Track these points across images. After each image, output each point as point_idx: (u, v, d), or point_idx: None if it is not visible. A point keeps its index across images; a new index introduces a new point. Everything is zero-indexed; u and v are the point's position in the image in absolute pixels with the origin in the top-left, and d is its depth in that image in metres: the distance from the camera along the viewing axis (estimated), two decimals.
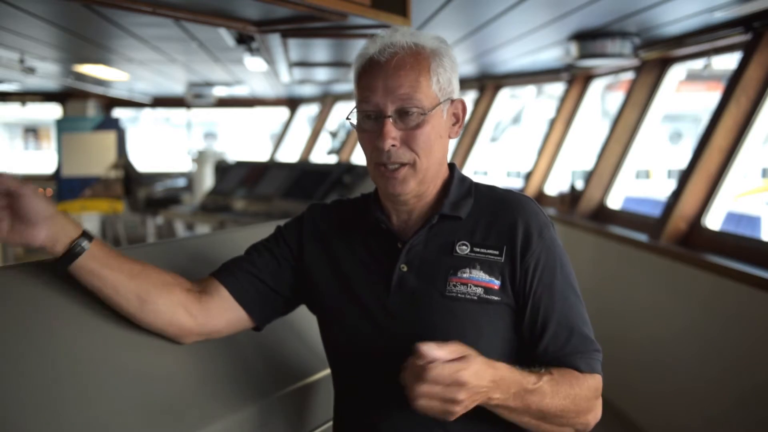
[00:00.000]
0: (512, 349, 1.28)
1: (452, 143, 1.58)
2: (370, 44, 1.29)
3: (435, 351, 1.08)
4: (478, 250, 1.28)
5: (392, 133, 1.25)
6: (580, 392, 1.23)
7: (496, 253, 1.28)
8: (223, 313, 1.35)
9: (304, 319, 1.54)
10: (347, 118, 1.32)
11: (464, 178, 1.39)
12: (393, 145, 1.25)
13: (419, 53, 1.27)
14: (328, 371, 1.48)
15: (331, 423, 1.48)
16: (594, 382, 1.27)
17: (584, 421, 1.26)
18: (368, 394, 1.31)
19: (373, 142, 1.27)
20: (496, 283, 1.26)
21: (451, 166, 1.39)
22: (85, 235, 1.22)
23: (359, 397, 1.34)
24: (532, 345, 1.28)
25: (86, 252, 1.21)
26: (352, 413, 1.37)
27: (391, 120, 1.25)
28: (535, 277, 1.27)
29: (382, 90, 1.25)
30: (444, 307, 1.26)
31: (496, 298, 1.26)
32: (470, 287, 1.26)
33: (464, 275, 1.27)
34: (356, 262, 1.35)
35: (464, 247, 1.29)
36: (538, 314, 1.27)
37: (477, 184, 1.38)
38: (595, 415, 1.27)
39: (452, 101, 1.32)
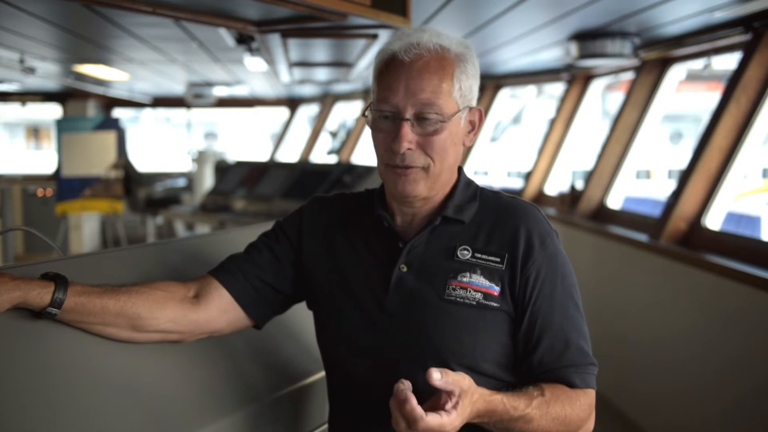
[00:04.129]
0: (508, 356, 1.28)
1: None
2: (394, 40, 1.25)
3: (437, 379, 1.05)
4: (479, 255, 1.27)
5: (409, 136, 1.22)
6: (572, 412, 1.23)
7: (498, 260, 1.26)
8: (223, 314, 1.35)
9: (299, 321, 1.54)
10: (363, 115, 1.29)
11: (470, 182, 1.37)
12: (409, 149, 1.23)
13: (444, 57, 1.24)
14: (323, 374, 1.48)
15: (325, 426, 1.48)
16: (587, 398, 1.27)
17: None
18: (362, 394, 1.30)
19: (388, 143, 1.24)
20: (495, 290, 1.25)
21: (459, 169, 1.37)
22: (58, 289, 1.17)
23: (353, 398, 1.33)
24: (526, 355, 1.27)
25: (60, 311, 1.18)
26: (346, 414, 1.36)
27: (409, 123, 1.22)
28: (536, 287, 1.26)
29: (404, 92, 1.22)
30: (442, 310, 1.25)
31: (495, 304, 1.25)
32: (470, 292, 1.25)
33: (464, 279, 1.26)
34: (356, 259, 1.34)
35: (465, 252, 1.28)
36: (536, 325, 1.26)
37: (483, 189, 1.37)
38: (587, 429, 1.28)
39: (470, 109, 1.30)
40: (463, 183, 1.35)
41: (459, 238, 1.29)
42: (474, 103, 1.31)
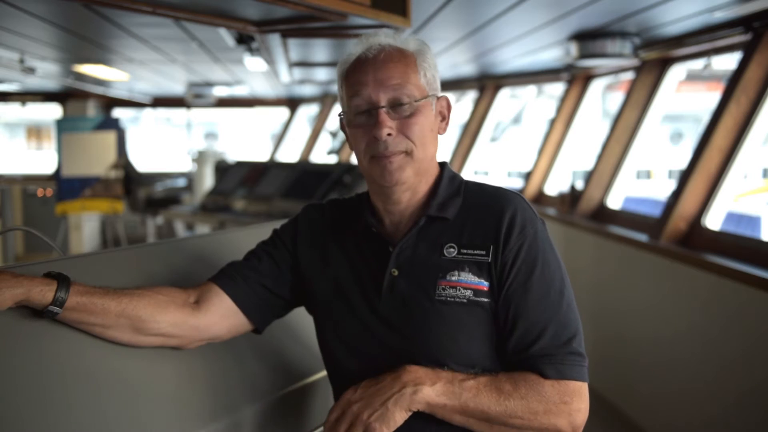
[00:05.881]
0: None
1: (450, 143, 1.58)
2: (354, 48, 1.31)
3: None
4: (465, 251, 1.27)
5: (388, 122, 1.25)
6: (527, 393, 1.19)
7: (483, 253, 1.26)
8: (224, 319, 1.36)
9: (302, 321, 1.54)
10: (339, 115, 1.33)
11: (454, 177, 1.38)
12: (389, 134, 1.25)
13: (404, 51, 1.30)
14: (325, 372, 1.48)
15: None
16: (559, 390, 1.20)
17: (549, 424, 1.19)
18: None
19: (368, 135, 1.27)
20: (485, 285, 1.25)
21: (442, 165, 1.38)
22: (61, 287, 1.17)
23: None
24: (503, 343, 1.25)
25: (62, 310, 1.18)
26: None
27: (384, 110, 1.26)
28: (512, 272, 1.24)
29: (373, 82, 1.26)
30: (434, 312, 1.25)
31: (485, 299, 1.25)
32: (459, 290, 1.25)
33: (453, 278, 1.26)
34: (348, 266, 1.36)
35: (452, 250, 1.28)
36: (509, 311, 1.24)
37: (467, 183, 1.37)
38: (571, 422, 1.20)
39: (438, 98, 1.33)
40: (446, 178, 1.36)
41: (445, 235, 1.30)
42: (440, 94, 1.35)
